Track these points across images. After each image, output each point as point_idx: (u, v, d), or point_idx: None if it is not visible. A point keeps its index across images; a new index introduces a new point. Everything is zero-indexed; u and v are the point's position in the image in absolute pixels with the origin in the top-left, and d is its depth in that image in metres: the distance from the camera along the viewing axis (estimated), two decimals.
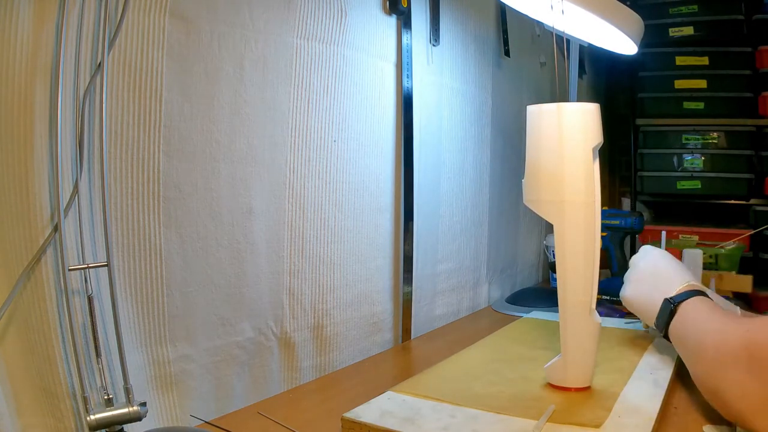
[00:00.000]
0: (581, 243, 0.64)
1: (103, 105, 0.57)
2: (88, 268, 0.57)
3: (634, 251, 2.02)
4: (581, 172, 0.63)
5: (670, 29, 1.94)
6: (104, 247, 0.58)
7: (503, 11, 1.30)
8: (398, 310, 1.00)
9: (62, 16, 0.54)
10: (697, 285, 0.74)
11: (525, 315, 1.08)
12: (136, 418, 0.57)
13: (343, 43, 0.85)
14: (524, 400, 0.64)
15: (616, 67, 2.06)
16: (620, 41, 0.83)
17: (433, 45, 1.06)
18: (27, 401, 0.55)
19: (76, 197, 0.57)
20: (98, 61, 0.57)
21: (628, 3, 0.75)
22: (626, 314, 1.07)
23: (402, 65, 0.97)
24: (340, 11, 0.84)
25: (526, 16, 0.90)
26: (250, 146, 0.74)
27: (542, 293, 1.35)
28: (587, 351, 0.67)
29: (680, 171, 1.96)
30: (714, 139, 1.92)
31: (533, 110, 0.65)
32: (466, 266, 1.21)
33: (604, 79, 2.15)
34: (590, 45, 0.94)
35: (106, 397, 0.57)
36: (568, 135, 0.63)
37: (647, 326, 0.88)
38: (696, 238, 1.60)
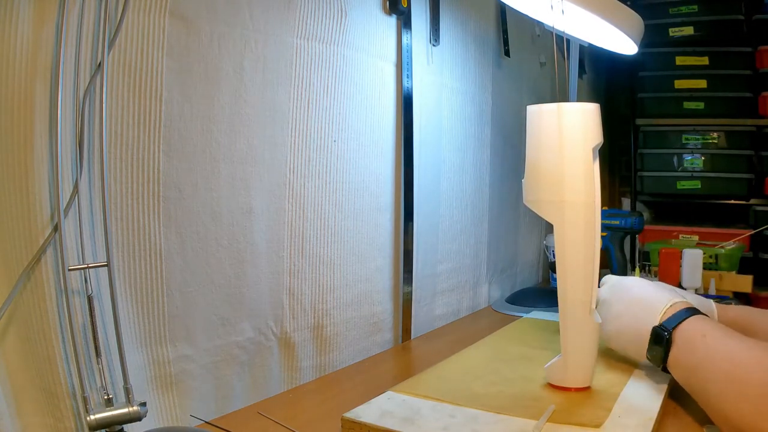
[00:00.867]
0: (581, 243, 0.64)
1: (103, 105, 0.57)
2: (88, 268, 0.57)
3: (634, 251, 2.03)
4: (581, 172, 0.63)
5: (670, 29, 1.94)
6: (104, 247, 0.58)
7: (503, 11, 1.30)
8: (398, 310, 1.01)
9: (62, 16, 0.54)
10: (683, 301, 0.67)
11: (525, 315, 1.08)
12: (136, 418, 0.57)
13: (343, 43, 0.85)
14: (524, 400, 0.64)
15: (616, 67, 2.06)
16: (620, 41, 0.83)
17: (433, 45, 1.06)
18: (27, 401, 0.55)
19: (76, 197, 0.57)
20: (98, 61, 0.57)
21: (628, 3, 0.75)
22: None
23: (402, 65, 0.97)
24: (340, 11, 0.84)
25: (526, 16, 0.90)
26: (250, 146, 0.74)
27: (542, 293, 1.35)
28: (587, 351, 0.67)
29: (680, 171, 1.96)
30: (714, 139, 1.92)
31: (533, 110, 0.65)
32: (466, 266, 1.21)
33: (604, 79, 2.16)
34: (590, 45, 0.94)
35: (106, 397, 0.57)
36: (568, 135, 0.63)
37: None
38: (696, 238, 1.60)
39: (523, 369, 0.75)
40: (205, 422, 0.66)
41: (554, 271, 1.25)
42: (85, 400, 0.55)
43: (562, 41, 0.75)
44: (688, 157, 1.95)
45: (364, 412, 0.61)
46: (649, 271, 1.44)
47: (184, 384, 0.68)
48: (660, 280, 1.30)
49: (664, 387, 0.68)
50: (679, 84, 1.95)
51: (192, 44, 0.66)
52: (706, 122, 1.93)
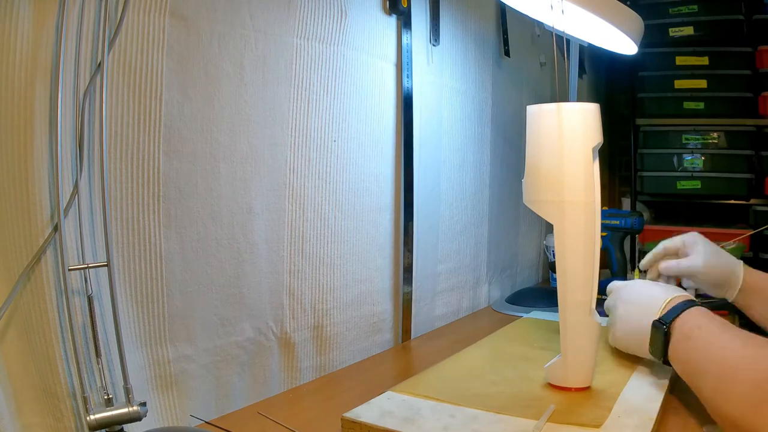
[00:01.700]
0: (581, 243, 0.64)
1: (103, 105, 0.57)
2: (88, 268, 0.57)
3: (634, 251, 2.03)
4: (581, 172, 0.63)
5: (670, 29, 1.94)
6: (104, 247, 0.58)
7: (503, 11, 1.30)
8: (398, 310, 1.00)
9: (62, 16, 0.54)
10: (683, 295, 0.69)
11: (525, 315, 1.08)
12: (136, 418, 0.57)
13: (343, 43, 0.85)
14: (524, 400, 0.64)
15: (616, 67, 2.06)
16: (620, 41, 0.83)
17: (433, 45, 1.06)
18: (27, 401, 0.55)
19: (76, 197, 0.57)
20: (98, 61, 0.57)
21: (628, 3, 0.75)
22: None
23: (402, 65, 0.97)
24: (340, 11, 0.84)
25: (526, 16, 0.90)
26: (250, 146, 0.74)
27: (542, 293, 1.35)
28: (587, 351, 0.67)
29: (680, 171, 1.96)
30: (714, 139, 1.92)
31: (533, 110, 0.65)
32: (466, 266, 1.21)
33: (604, 79, 2.15)
34: (590, 45, 0.94)
35: (106, 397, 0.57)
36: (568, 135, 0.63)
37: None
38: None
39: (523, 369, 0.75)
40: (205, 422, 0.66)
41: (554, 271, 1.25)
42: (85, 400, 0.55)
43: (562, 41, 0.75)
44: (688, 157, 1.95)
45: (364, 412, 0.61)
46: None
47: (184, 384, 0.68)
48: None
49: (665, 386, 0.68)
50: (679, 84, 1.95)
51: (192, 44, 0.66)
52: (706, 122, 1.93)
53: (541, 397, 0.65)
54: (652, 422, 0.58)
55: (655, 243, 1.55)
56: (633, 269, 1.49)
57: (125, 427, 0.57)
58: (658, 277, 0.92)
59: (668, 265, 0.91)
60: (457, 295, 1.18)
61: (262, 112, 0.75)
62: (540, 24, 1.37)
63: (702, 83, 1.92)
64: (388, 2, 0.94)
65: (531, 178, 0.66)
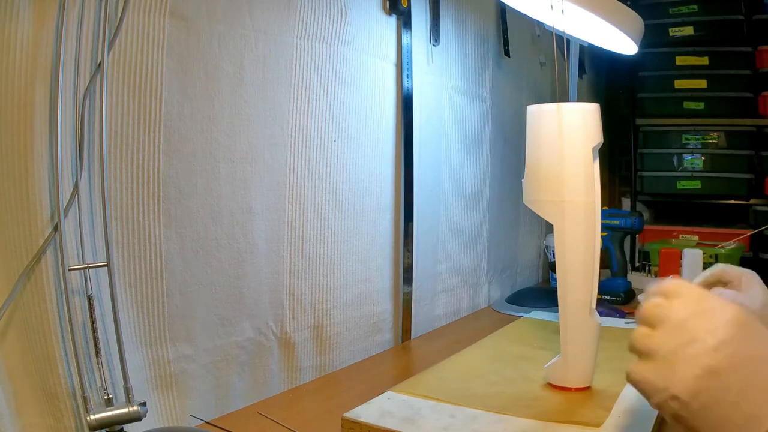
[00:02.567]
0: (581, 243, 0.64)
1: (103, 105, 0.57)
2: (88, 268, 0.57)
3: (634, 251, 2.03)
4: (581, 172, 0.63)
5: (670, 29, 1.94)
6: (104, 247, 0.58)
7: (503, 11, 1.30)
8: (398, 310, 1.00)
9: (62, 16, 0.54)
10: None
11: (525, 315, 1.08)
12: (136, 418, 0.57)
13: (343, 43, 0.85)
14: (524, 400, 0.64)
15: (616, 67, 2.05)
16: (620, 41, 0.83)
17: (433, 45, 1.06)
18: (27, 401, 0.55)
19: (76, 197, 0.57)
20: (98, 61, 0.57)
21: (628, 3, 0.75)
22: (626, 314, 1.07)
23: (402, 65, 0.97)
24: (340, 11, 0.84)
25: (526, 16, 0.90)
26: (250, 146, 0.74)
27: (542, 293, 1.35)
28: (587, 351, 0.67)
29: (680, 171, 1.96)
30: (714, 139, 1.92)
31: (533, 110, 0.65)
32: (466, 266, 1.21)
33: (604, 79, 2.15)
34: (590, 45, 0.94)
35: (106, 397, 0.57)
36: (568, 135, 0.63)
37: None
38: (696, 238, 1.60)
39: (523, 369, 0.75)
40: (205, 422, 0.66)
41: (554, 271, 1.25)
42: (85, 400, 0.55)
43: (562, 41, 0.75)
44: (688, 157, 1.95)
45: (364, 412, 0.61)
46: (649, 271, 1.44)
47: (184, 384, 0.68)
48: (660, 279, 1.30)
49: None
50: (679, 84, 1.95)
51: (192, 44, 0.66)
52: (706, 122, 1.93)
53: (541, 397, 0.65)
54: (652, 422, 0.58)
55: (655, 243, 1.55)
56: (633, 269, 1.49)
57: (125, 427, 0.57)
58: None
59: (726, 294, 0.66)
60: (457, 295, 1.18)
61: (262, 112, 0.75)
62: (540, 24, 1.37)
63: (702, 83, 1.92)
64: (388, 2, 0.94)
65: (531, 177, 0.66)
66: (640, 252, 1.92)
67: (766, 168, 1.87)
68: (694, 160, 1.94)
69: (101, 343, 0.58)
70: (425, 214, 1.05)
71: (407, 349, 0.98)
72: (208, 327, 0.71)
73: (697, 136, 1.94)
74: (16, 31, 0.52)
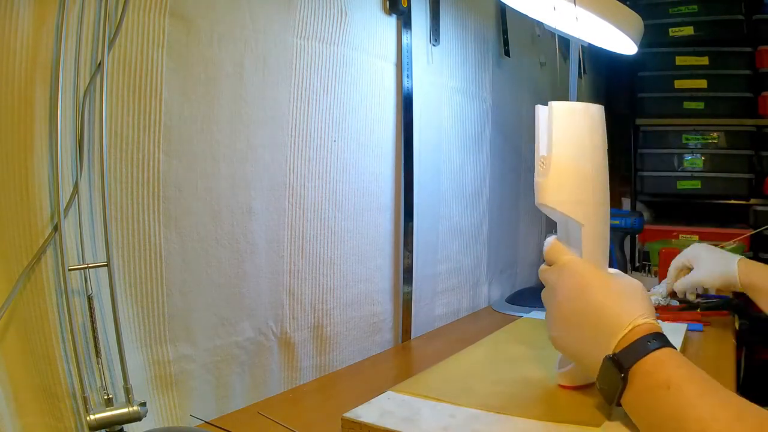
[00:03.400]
0: (604, 241, 0.64)
1: (103, 105, 0.57)
2: (88, 268, 0.57)
3: (634, 251, 2.03)
4: (605, 172, 0.64)
5: (670, 29, 1.94)
6: (104, 247, 0.58)
7: (503, 11, 1.30)
8: (398, 310, 1.00)
9: (62, 16, 0.54)
10: (647, 323, 0.53)
11: (525, 315, 1.08)
12: (136, 418, 0.57)
13: (343, 43, 0.85)
14: (524, 400, 0.64)
15: (616, 67, 2.06)
16: (620, 41, 0.83)
17: (433, 45, 1.06)
18: (27, 401, 0.55)
19: (76, 197, 0.57)
20: (98, 61, 0.57)
21: (628, 3, 0.75)
22: None
23: (402, 65, 0.97)
24: (340, 11, 0.84)
25: (526, 16, 0.90)
26: (250, 146, 0.74)
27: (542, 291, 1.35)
28: None
29: (680, 171, 1.96)
30: (714, 139, 1.92)
31: (561, 107, 0.62)
32: (466, 266, 1.21)
33: (604, 79, 2.15)
34: (590, 45, 0.94)
35: (106, 397, 0.57)
36: (597, 135, 0.63)
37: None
38: (696, 238, 1.60)
39: (523, 369, 0.75)
40: (205, 422, 0.66)
41: None
42: (85, 400, 0.55)
43: (563, 41, 0.75)
44: (688, 157, 1.95)
45: (364, 412, 0.61)
46: (649, 271, 1.44)
47: (184, 384, 0.68)
48: (660, 280, 1.30)
49: None
50: (679, 84, 1.95)
51: (192, 44, 0.66)
52: (706, 122, 1.93)
53: (541, 397, 0.65)
54: None
55: (655, 243, 1.55)
56: (633, 269, 1.49)
57: (125, 427, 0.57)
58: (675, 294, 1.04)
59: (681, 282, 1.02)
60: (457, 295, 1.18)
61: (262, 112, 0.75)
62: (540, 24, 1.37)
63: (702, 83, 1.93)
64: (388, 2, 0.94)
65: (561, 178, 0.62)
66: (640, 252, 1.92)
67: (766, 168, 1.87)
68: (694, 160, 1.94)
69: (101, 343, 0.58)
70: (425, 214, 1.05)
71: (407, 349, 0.98)
72: (208, 327, 0.71)
73: (697, 136, 1.94)
74: (16, 31, 0.52)
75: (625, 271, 1.27)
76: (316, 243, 0.84)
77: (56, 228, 0.54)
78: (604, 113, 0.65)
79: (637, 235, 1.89)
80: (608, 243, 0.65)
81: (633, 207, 2.06)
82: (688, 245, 1.33)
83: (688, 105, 1.94)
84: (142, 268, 0.64)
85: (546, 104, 0.64)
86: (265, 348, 0.78)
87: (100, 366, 0.57)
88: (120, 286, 0.61)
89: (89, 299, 0.57)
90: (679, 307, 1.13)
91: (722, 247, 1.42)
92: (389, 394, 0.67)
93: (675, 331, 0.91)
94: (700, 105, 1.93)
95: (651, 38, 1.87)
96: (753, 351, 1.53)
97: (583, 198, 0.63)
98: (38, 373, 0.56)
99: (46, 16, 0.54)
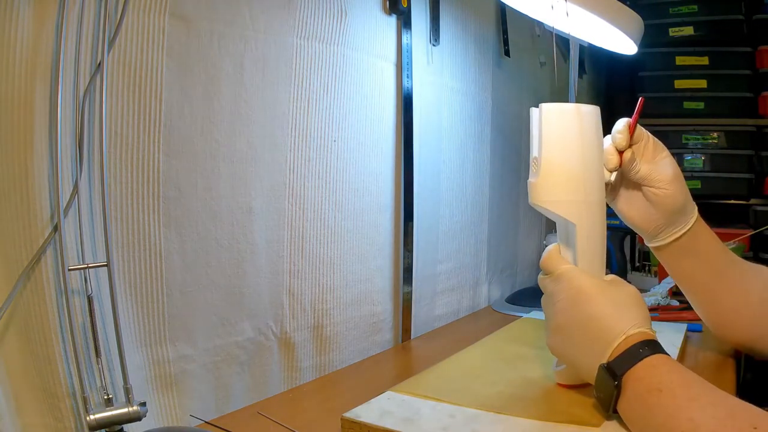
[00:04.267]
0: (600, 242, 0.64)
1: (103, 105, 0.57)
2: (88, 268, 0.57)
3: (634, 251, 2.03)
4: (599, 172, 0.64)
5: (670, 29, 1.94)
6: (104, 247, 0.58)
7: (503, 11, 1.30)
8: (398, 310, 1.00)
9: (62, 16, 0.54)
10: (640, 332, 0.55)
11: (525, 315, 1.08)
12: (135, 418, 0.57)
13: (343, 43, 0.85)
14: (524, 400, 0.64)
15: (616, 67, 2.05)
16: (620, 41, 0.83)
17: (433, 45, 1.06)
18: (27, 401, 0.55)
19: (76, 197, 0.57)
20: (98, 61, 0.57)
21: (628, 3, 0.75)
22: None
23: (402, 65, 0.97)
24: (340, 11, 0.84)
25: (526, 16, 0.90)
26: (250, 146, 0.74)
27: (542, 293, 1.35)
28: None
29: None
30: (714, 139, 1.92)
31: (551, 109, 0.63)
32: (466, 266, 1.21)
33: (604, 79, 2.15)
34: (590, 45, 0.94)
35: (105, 397, 0.57)
36: (588, 135, 0.63)
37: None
38: None
39: (523, 369, 0.75)
40: (205, 422, 0.66)
41: None
42: (85, 400, 0.55)
43: (563, 41, 0.75)
44: (689, 157, 1.95)
45: (364, 412, 0.61)
46: (649, 271, 1.44)
47: (184, 384, 0.68)
48: (660, 280, 1.30)
49: None
50: (679, 84, 1.95)
51: (192, 44, 0.66)
52: (706, 122, 1.93)
53: (540, 397, 0.65)
54: None
55: None
56: (633, 269, 1.49)
57: (125, 427, 0.57)
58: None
59: (634, 164, 0.68)
60: (456, 295, 1.18)
61: (262, 112, 0.75)
62: (540, 24, 1.37)
63: (702, 83, 1.93)
64: (388, 2, 0.94)
65: (549, 178, 0.63)
66: (640, 252, 1.92)
67: (766, 168, 1.87)
68: (694, 160, 1.94)
69: (101, 343, 0.58)
70: (425, 214, 1.05)
71: (407, 349, 0.98)
72: (208, 327, 0.71)
73: (697, 136, 1.94)
74: (16, 31, 0.52)
75: (625, 272, 1.27)
76: (316, 243, 0.84)
77: (56, 228, 0.54)
78: (599, 113, 0.65)
79: (637, 235, 1.89)
80: (605, 242, 0.65)
81: None
82: None
83: (688, 105, 1.94)
84: (142, 268, 0.64)
85: (564, 104, 0.64)
86: (265, 348, 0.78)
87: (99, 366, 0.57)
88: (120, 286, 0.61)
89: (89, 299, 0.57)
90: (679, 307, 1.13)
91: None
92: (389, 394, 0.67)
93: (675, 331, 0.91)
94: (700, 105, 1.93)
95: (651, 38, 1.87)
96: None
97: (575, 197, 0.63)
98: (38, 373, 0.56)
99: (46, 16, 0.54)
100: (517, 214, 1.45)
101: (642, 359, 0.52)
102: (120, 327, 0.57)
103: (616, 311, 0.56)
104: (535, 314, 1.07)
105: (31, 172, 0.54)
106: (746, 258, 0.78)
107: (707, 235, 0.72)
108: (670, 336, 0.87)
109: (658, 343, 0.54)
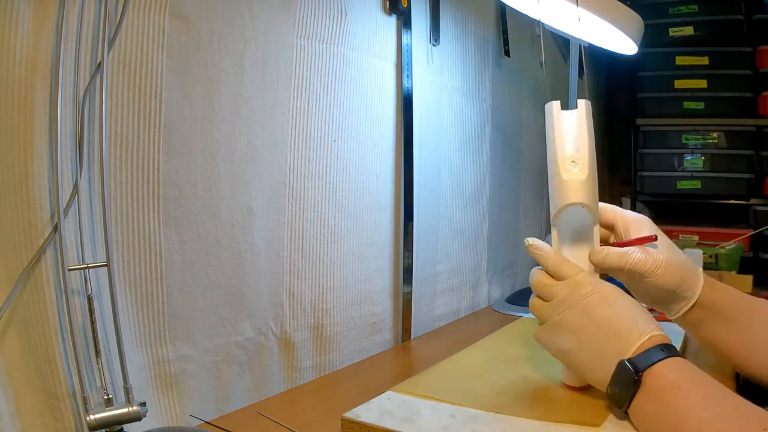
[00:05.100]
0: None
1: (103, 105, 0.57)
2: (88, 268, 0.57)
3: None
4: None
5: (670, 29, 1.94)
6: (104, 247, 0.58)
7: (503, 11, 1.30)
8: (398, 310, 1.00)
9: (62, 16, 0.54)
10: (661, 335, 0.57)
11: (525, 315, 1.08)
12: (135, 418, 0.57)
13: (343, 43, 0.85)
14: (524, 400, 0.64)
15: (616, 67, 2.05)
16: (620, 41, 0.83)
17: (433, 45, 1.06)
18: (27, 401, 0.55)
19: (76, 197, 0.57)
20: (98, 61, 0.57)
21: (628, 3, 0.75)
22: None
23: (402, 65, 0.97)
24: (340, 11, 0.84)
25: (526, 16, 0.90)
26: (250, 146, 0.74)
27: None
28: None
29: (680, 171, 1.96)
30: (714, 139, 1.92)
31: (586, 105, 0.62)
32: (466, 266, 1.21)
33: (604, 79, 2.15)
34: (590, 45, 0.94)
35: (105, 397, 0.57)
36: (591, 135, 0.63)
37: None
38: (696, 238, 1.60)
39: (523, 369, 0.75)
40: (205, 422, 0.66)
41: None
42: (85, 400, 0.55)
43: (563, 41, 0.75)
44: (688, 157, 1.95)
45: (364, 412, 0.61)
46: None
47: (184, 384, 0.68)
48: None
49: None
50: (679, 84, 1.95)
51: (192, 44, 0.66)
52: (706, 122, 1.92)
53: (540, 397, 0.65)
54: None
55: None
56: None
57: (125, 427, 0.57)
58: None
59: (612, 254, 0.63)
60: (457, 295, 1.18)
61: (262, 112, 0.75)
62: (540, 24, 1.37)
63: (702, 83, 1.92)
64: (388, 2, 0.94)
65: (592, 174, 0.62)
66: None
67: (766, 168, 1.87)
68: (694, 160, 1.94)
69: (101, 343, 0.58)
70: (425, 214, 1.05)
71: (407, 349, 0.98)
72: (208, 327, 0.71)
73: (697, 136, 1.94)
74: (16, 31, 0.52)
75: None
76: (316, 243, 0.84)
77: (56, 228, 0.54)
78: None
79: None
80: None
81: (633, 207, 2.06)
82: (688, 245, 1.33)
83: (688, 105, 1.94)
84: (142, 268, 0.64)
85: (546, 104, 0.64)
86: (265, 348, 0.78)
87: (100, 366, 0.57)
88: (120, 286, 0.61)
89: (89, 299, 0.57)
90: None
91: (722, 247, 1.42)
92: (389, 394, 0.67)
93: (675, 331, 0.91)
94: (700, 105, 1.93)
95: (651, 38, 1.87)
96: None
97: (597, 193, 0.64)
98: (38, 373, 0.56)
99: (46, 15, 0.54)
100: (517, 214, 1.45)
101: (663, 359, 0.54)
102: (120, 327, 0.57)
103: (638, 314, 0.58)
104: None
105: (31, 172, 0.54)
106: (746, 258, 0.77)
107: (720, 295, 0.67)
108: (671, 336, 0.87)
109: (676, 348, 0.56)
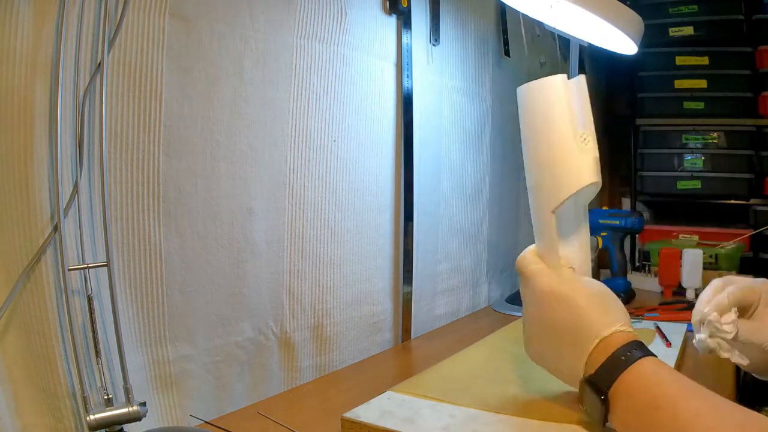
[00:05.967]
0: None
1: (103, 105, 0.57)
2: (88, 268, 0.57)
3: (634, 251, 2.03)
4: None
5: (670, 29, 1.94)
6: (104, 247, 0.58)
7: (503, 11, 1.30)
8: (398, 309, 1.00)
9: (62, 16, 0.54)
10: (620, 329, 0.50)
11: None
12: (135, 418, 0.57)
13: (343, 43, 0.85)
14: (524, 400, 0.64)
15: (616, 67, 2.05)
16: (620, 41, 0.83)
17: (433, 45, 1.06)
18: (27, 401, 0.55)
19: (76, 197, 0.57)
20: (98, 61, 0.57)
21: (628, 3, 0.75)
22: None
23: (402, 65, 0.97)
24: (340, 11, 0.84)
25: (526, 16, 0.90)
26: (250, 146, 0.74)
27: None
28: None
29: (680, 171, 1.96)
30: (714, 139, 1.92)
31: (585, 78, 0.58)
32: (466, 266, 1.21)
33: (604, 79, 2.15)
34: (590, 45, 0.94)
35: (105, 397, 0.57)
36: None
37: None
38: (696, 238, 1.60)
39: (523, 369, 0.75)
40: (205, 422, 0.66)
41: None
42: (85, 400, 0.55)
43: (563, 41, 0.75)
44: (689, 157, 1.95)
45: (364, 412, 0.61)
46: (649, 271, 1.44)
47: (184, 384, 0.68)
48: (660, 280, 1.30)
49: None
50: (679, 84, 1.95)
51: (192, 44, 0.66)
52: (706, 122, 1.93)
53: (540, 397, 0.65)
54: None
55: (655, 243, 1.54)
56: (633, 269, 1.49)
57: (125, 427, 0.57)
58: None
59: (745, 331, 0.57)
60: (457, 295, 1.18)
61: (262, 112, 0.75)
62: (540, 24, 1.37)
63: (702, 83, 1.93)
64: (388, 2, 0.94)
65: (596, 152, 0.58)
66: (640, 252, 1.92)
67: (766, 168, 1.87)
68: (694, 160, 1.94)
69: (101, 343, 0.58)
70: (425, 214, 1.05)
71: (407, 349, 0.98)
72: (208, 327, 0.71)
73: (697, 136, 1.94)
74: (17, 30, 0.52)
75: (625, 272, 1.27)
76: (316, 243, 0.84)
77: (56, 228, 0.54)
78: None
79: (637, 235, 1.89)
80: None
81: (633, 207, 2.06)
82: (688, 245, 1.33)
83: (688, 105, 1.94)
84: (142, 268, 0.64)
85: (536, 81, 0.60)
86: (265, 348, 0.78)
87: (99, 366, 0.57)
88: (120, 286, 0.61)
89: (89, 299, 0.57)
90: (679, 307, 1.13)
91: (722, 247, 1.42)
92: (389, 394, 0.67)
93: (675, 331, 0.91)
94: (700, 105, 1.93)
95: (651, 38, 1.87)
96: None
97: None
98: (38, 373, 0.56)
99: (46, 15, 0.54)
100: (517, 214, 1.45)
101: (626, 368, 0.47)
102: (120, 327, 0.57)
103: (588, 312, 0.51)
104: None
105: (31, 172, 0.54)
106: (746, 258, 0.75)
107: None
108: (670, 336, 0.87)
109: (640, 343, 0.49)
